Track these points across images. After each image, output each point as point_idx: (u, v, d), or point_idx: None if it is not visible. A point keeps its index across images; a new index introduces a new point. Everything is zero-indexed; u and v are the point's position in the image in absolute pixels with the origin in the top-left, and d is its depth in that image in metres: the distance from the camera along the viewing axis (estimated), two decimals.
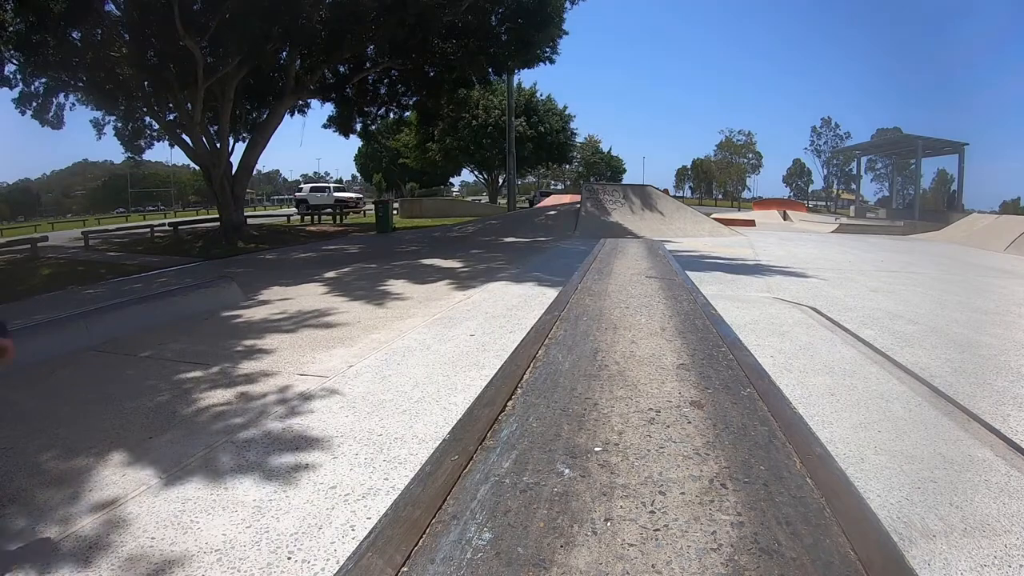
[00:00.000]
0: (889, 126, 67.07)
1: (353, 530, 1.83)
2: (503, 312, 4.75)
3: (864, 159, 56.91)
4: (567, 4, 14.47)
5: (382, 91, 17.11)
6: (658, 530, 0.55)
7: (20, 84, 12.79)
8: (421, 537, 0.56)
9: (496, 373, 1.09)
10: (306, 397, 3.05)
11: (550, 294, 4.98)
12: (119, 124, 15.60)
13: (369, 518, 1.88)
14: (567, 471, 0.68)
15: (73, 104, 14.14)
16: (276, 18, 11.27)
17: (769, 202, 43.24)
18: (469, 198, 51.33)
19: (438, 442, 0.78)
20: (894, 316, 4.84)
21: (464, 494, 0.64)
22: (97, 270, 9.74)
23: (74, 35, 11.83)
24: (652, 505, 0.60)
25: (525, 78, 36.26)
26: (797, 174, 79.03)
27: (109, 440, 2.59)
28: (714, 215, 19.42)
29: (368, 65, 15.76)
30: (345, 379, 3.32)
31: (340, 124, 17.40)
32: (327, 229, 18.95)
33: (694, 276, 3.52)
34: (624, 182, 45.30)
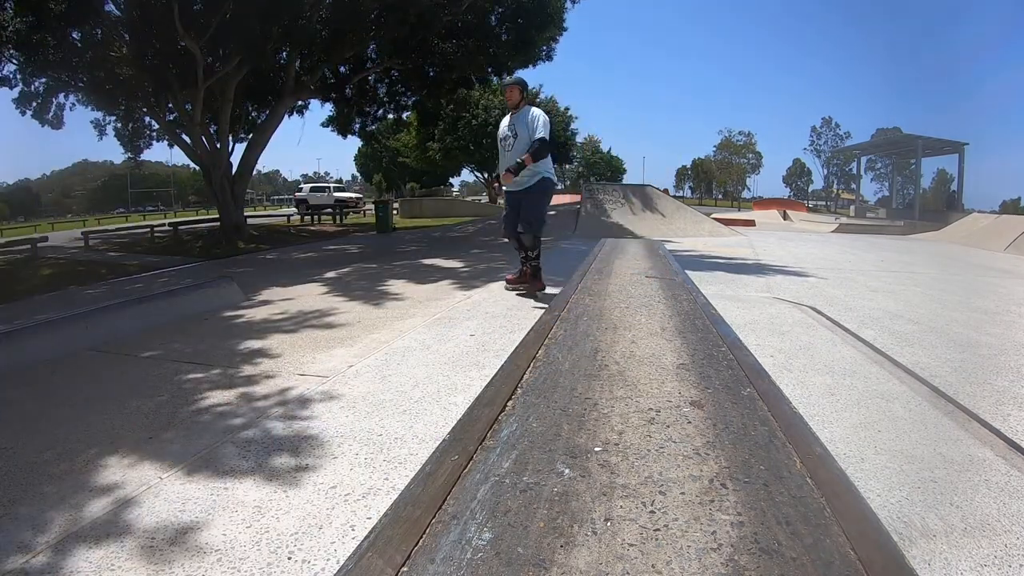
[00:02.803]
0: (889, 126, 67.18)
1: (353, 530, 1.83)
2: (503, 312, 4.75)
3: (864, 159, 56.95)
4: (567, 4, 14.48)
5: (382, 91, 17.13)
6: (658, 530, 0.55)
7: (20, 84, 12.81)
8: (421, 537, 0.56)
9: (496, 373, 1.09)
10: (306, 397, 3.05)
11: (550, 293, 4.98)
12: (119, 124, 15.62)
13: (369, 518, 1.87)
14: (567, 471, 0.68)
15: (73, 104, 14.15)
16: (276, 18, 11.28)
17: (769, 202, 43.33)
18: (469, 198, 51.29)
19: (438, 442, 0.78)
20: (894, 316, 4.83)
21: (464, 494, 0.64)
22: (97, 270, 9.74)
23: (74, 35, 11.84)
24: (652, 505, 0.60)
25: (528, 79, 36.30)
26: (797, 174, 79.09)
27: (110, 439, 2.59)
28: (714, 215, 19.44)
29: (368, 65, 15.77)
30: (345, 379, 3.32)
31: (339, 124, 17.42)
32: (327, 229, 18.96)
33: (694, 276, 3.52)
34: (624, 182, 45.38)
